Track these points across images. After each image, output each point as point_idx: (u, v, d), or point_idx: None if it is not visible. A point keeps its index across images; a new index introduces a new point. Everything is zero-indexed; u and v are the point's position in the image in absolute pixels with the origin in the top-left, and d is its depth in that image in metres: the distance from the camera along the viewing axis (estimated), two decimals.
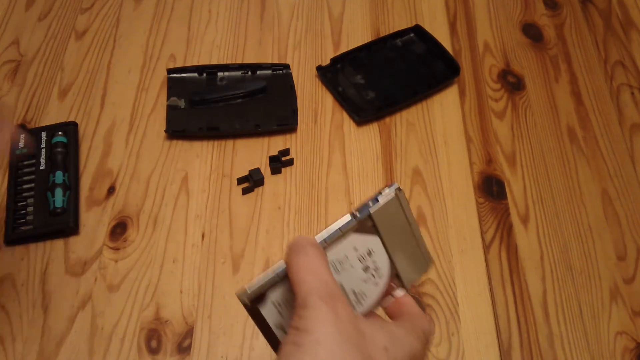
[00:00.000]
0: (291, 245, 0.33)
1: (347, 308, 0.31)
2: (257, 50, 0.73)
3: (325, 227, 0.35)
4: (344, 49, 0.72)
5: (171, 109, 0.66)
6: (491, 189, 0.62)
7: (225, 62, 0.71)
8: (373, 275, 0.37)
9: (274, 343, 0.34)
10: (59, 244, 0.57)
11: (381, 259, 0.37)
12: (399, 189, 0.37)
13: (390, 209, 0.37)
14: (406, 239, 0.38)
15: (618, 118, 0.69)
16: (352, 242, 0.36)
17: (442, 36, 0.74)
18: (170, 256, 0.56)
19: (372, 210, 0.36)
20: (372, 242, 0.37)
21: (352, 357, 0.28)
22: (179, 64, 0.71)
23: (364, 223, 0.36)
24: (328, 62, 0.70)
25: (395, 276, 0.38)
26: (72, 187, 0.59)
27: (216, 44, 0.73)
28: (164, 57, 0.71)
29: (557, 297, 0.56)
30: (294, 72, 0.70)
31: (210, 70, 0.69)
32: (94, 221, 0.58)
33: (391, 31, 0.74)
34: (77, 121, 0.65)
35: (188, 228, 0.58)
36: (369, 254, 0.37)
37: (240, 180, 0.61)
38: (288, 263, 0.32)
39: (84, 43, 0.72)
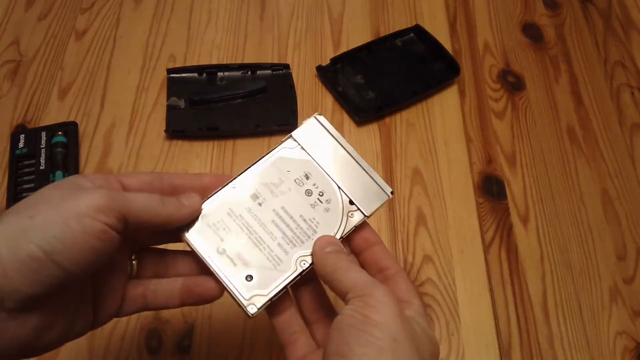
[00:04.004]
0: (324, 247, 0.36)
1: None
2: (257, 50, 0.73)
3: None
4: (344, 49, 0.72)
5: (171, 109, 0.66)
6: (491, 189, 0.62)
7: (225, 62, 0.71)
8: (320, 200, 0.37)
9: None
10: None
11: (323, 183, 0.38)
12: (318, 114, 0.40)
13: (313, 131, 0.39)
14: (351, 167, 0.39)
15: (618, 118, 0.69)
16: (283, 164, 0.38)
17: (442, 36, 0.74)
18: None
19: (293, 132, 0.39)
20: (306, 165, 0.38)
21: (413, 354, 0.30)
22: (179, 64, 0.71)
23: (291, 147, 0.39)
24: (328, 62, 0.70)
25: (350, 203, 0.38)
26: None
27: (216, 44, 0.73)
28: (164, 57, 0.71)
29: (557, 297, 0.56)
30: (294, 72, 0.70)
31: (210, 70, 0.69)
32: None
33: (391, 31, 0.74)
34: (77, 121, 0.65)
35: None
36: (307, 177, 0.38)
37: None
38: (328, 264, 0.35)
39: (84, 43, 0.72)
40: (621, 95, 0.71)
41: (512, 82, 0.71)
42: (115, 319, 0.52)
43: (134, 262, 0.37)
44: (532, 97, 0.70)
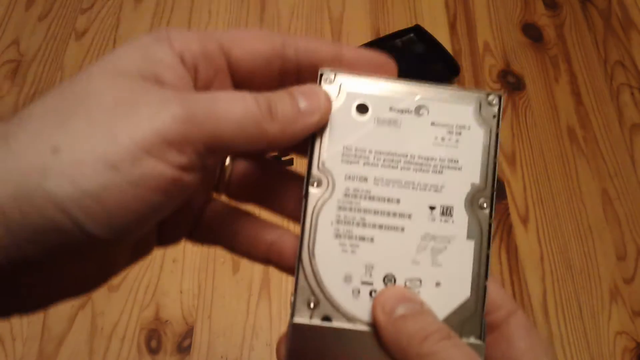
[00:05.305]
0: (393, 309, 0.22)
1: None
2: None
3: None
4: None
5: None
6: None
7: None
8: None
9: None
10: None
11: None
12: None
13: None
14: None
15: (618, 118, 0.69)
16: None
17: (442, 36, 0.74)
18: (170, 256, 0.56)
19: None
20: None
21: None
22: None
23: None
24: None
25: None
26: None
27: None
28: None
29: (557, 297, 0.56)
30: None
31: None
32: None
33: (391, 31, 0.74)
34: None
35: None
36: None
37: None
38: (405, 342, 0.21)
39: (84, 43, 0.72)
40: (621, 95, 0.71)
41: (512, 82, 0.71)
42: (114, 320, 0.52)
43: (225, 167, 0.24)
44: (532, 97, 0.70)
